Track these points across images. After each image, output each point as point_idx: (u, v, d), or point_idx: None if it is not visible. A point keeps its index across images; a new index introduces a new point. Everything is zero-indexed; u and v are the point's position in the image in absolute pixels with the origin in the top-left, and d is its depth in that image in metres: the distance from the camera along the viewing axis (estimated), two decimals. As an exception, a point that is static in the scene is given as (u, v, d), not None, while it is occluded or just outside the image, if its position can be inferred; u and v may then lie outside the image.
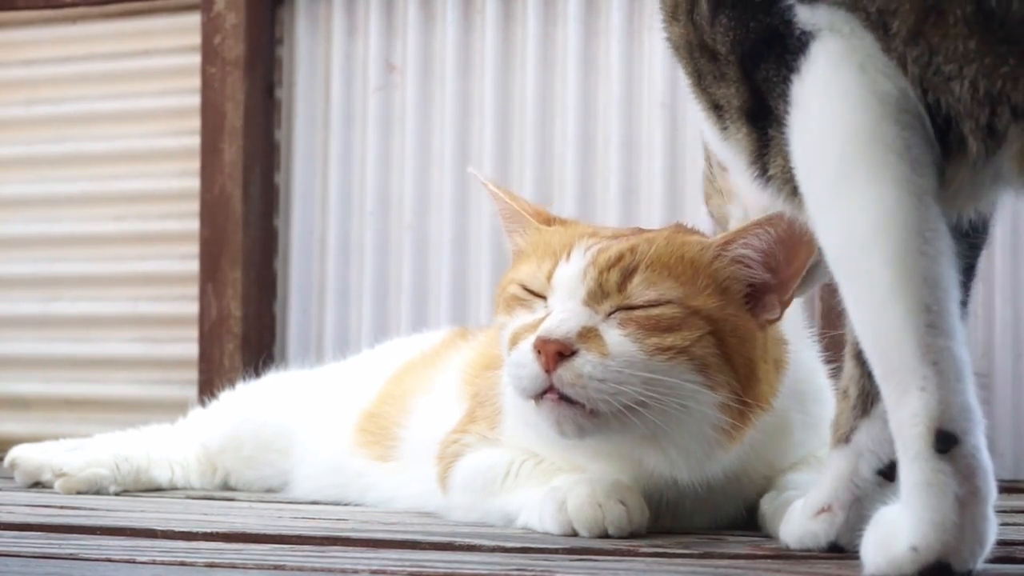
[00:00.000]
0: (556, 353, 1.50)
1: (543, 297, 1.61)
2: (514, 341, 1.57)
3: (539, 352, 1.51)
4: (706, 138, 1.52)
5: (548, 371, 1.50)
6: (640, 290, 1.56)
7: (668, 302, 1.55)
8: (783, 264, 1.60)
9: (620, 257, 1.58)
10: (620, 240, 1.62)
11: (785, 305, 1.62)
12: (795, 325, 1.75)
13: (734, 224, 1.60)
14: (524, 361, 1.53)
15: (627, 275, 1.56)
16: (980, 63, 1.11)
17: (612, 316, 1.55)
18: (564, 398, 1.51)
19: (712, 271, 1.60)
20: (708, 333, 1.55)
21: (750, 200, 1.59)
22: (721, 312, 1.57)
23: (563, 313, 1.55)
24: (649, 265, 1.57)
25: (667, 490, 1.62)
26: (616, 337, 1.52)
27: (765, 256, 1.60)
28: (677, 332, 1.53)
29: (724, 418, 1.54)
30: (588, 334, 1.52)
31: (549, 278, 1.60)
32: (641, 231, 1.70)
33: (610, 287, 1.56)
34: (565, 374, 1.50)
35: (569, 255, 1.60)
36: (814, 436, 1.69)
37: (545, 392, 1.52)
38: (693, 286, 1.58)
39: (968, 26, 1.11)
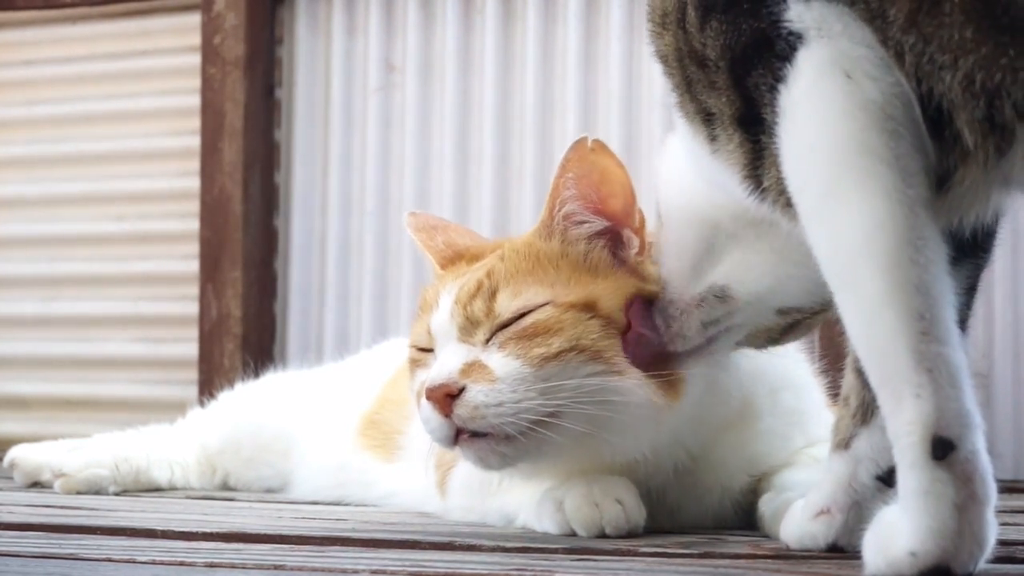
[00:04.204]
0: (445, 396, 1.50)
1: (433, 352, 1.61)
2: (418, 401, 1.58)
3: (433, 402, 1.52)
4: (659, 184, 1.51)
5: (447, 415, 1.51)
6: (505, 305, 1.56)
7: (538, 306, 1.55)
8: (604, 197, 1.61)
9: (479, 285, 1.58)
10: (479, 269, 1.62)
11: (639, 233, 1.61)
12: None
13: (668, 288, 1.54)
14: (428, 416, 1.54)
15: (491, 298, 1.57)
16: (977, 53, 1.10)
17: (491, 342, 1.54)
18: (475, 434, 1.51)
19: (564, 253, 1.60)
20: (590, 319, 1.54)
21: (664, 271, 1.53)
22: (595, 292, 1.56)
23: (442, 358, 1.56)
24: (508, 280, 1.58)
25: (650, 479, 1.61)
26: (499, 360, 1.52)
27: (584, 201, 1.61)
28: (558, 333, 1.52)
29: (647, 392, 1.52)
30: (472, 368, 1.52)
31: (430, 331, 1.61)
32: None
33: (478, 316, 1.56)
34: (461, 411, 1.50)
35: (438, 302, 1.61)
36: (791, 427, 1.68)
37: (458, 436, 1.52)
38: (557, 279, 1.58)
39: (965, 13, 1.09)
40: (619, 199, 1.61)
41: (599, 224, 1.61)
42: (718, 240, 1.44)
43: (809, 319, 1.53)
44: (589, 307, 1.55)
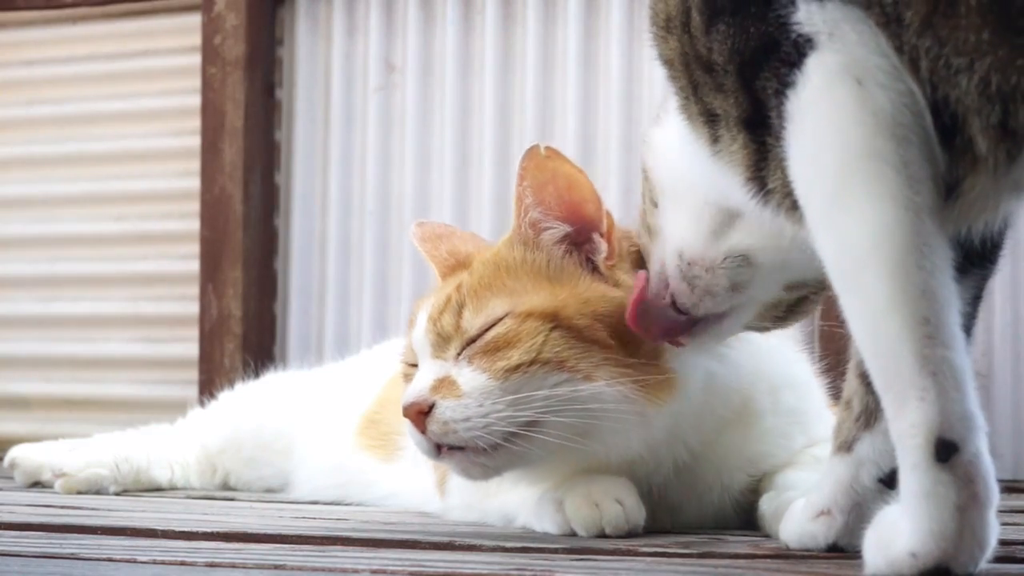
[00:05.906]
0: (418, 413, 1.52)
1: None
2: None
3: (409, 419, 1.54)
4: (654, 165, 1.51)
5: (423, 432, 1.53)
6: (470, 320, 1.57)
7: (499, 319, 1.56)
8: (566, 202, 1.61)
9: (448, 300, 1.60)
10: (451, 283, 1.64)
11: (608, 237, 1.61)
12: None
13: (651, 263, 1.53)
14: (410, 431, 1.56)
15: (458, 313, 1.58)
16: (994, 56, 1.09)
17: (462, 357, 1.56)
18: (453, 447, 1.53)
19: (526, 260, 1.61)
20: (551, 329, 1.54)
21: (674, 239, 1.49)
22: (554, 301, 1.56)
23: (418, 375, 1.58)
24: (473, 294, 1.59)
25: (651, 477, 1.61)
26: (467, 375, 1.54)
27: (545, 207, 1.61)
28: (518, 345, 1.53)
29: (623, 391, 1.52)
30: (442, 384, 1.54)
31: (412, 347, 1.63)
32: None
33: (448, 331, 1.58)
34: (434, 427, 1.52)
35: (416, 319, 1.63)
36: (793, 427, 1.68)
37: (440, 449, 1.54)
38: (517, 290, 1.58)
39: (982, 16, 1.09)
40: (583, 203, 1.61)
41: (562, 229, 1.61)
42: (733, 212, 1.43)
43: (812, 296, 1.53)
44: (549, 316, 1.55)
